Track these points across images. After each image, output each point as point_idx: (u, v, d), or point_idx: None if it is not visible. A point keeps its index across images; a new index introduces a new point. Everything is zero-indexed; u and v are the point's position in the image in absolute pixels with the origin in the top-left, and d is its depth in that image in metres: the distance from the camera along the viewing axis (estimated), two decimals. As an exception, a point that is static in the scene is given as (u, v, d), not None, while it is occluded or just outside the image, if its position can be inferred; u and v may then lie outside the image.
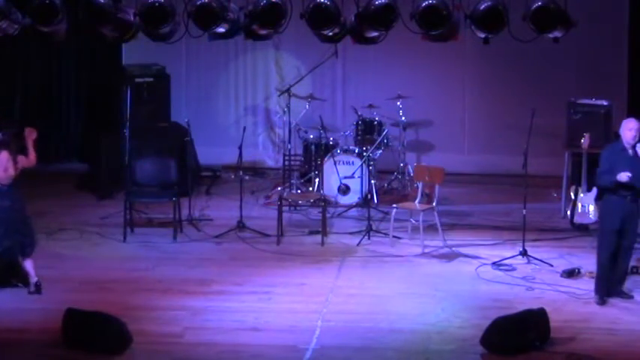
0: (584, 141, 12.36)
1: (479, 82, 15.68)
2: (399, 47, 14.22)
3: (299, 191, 13.82)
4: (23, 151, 10.61)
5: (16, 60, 16.06)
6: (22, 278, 10.58)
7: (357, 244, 12.21)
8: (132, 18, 10.68)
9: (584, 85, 14.66)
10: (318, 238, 12.34)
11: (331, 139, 14.32)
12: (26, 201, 10.73)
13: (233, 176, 14.77)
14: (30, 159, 10.58)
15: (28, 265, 10.54)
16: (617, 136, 13.97)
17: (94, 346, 8.97)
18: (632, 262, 11.13)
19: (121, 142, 13.64)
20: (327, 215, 12.79)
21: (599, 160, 10.36)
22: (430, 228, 12.31)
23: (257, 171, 15.73)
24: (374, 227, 12.50)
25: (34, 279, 10.51)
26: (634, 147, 10.13)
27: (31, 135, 10.65)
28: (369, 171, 13.80)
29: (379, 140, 14.17)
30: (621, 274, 10.40)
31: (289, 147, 14.33)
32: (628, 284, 10.66)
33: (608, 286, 10.32)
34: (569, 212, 12.63)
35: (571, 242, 12.20)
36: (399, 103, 14.53)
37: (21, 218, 10.57)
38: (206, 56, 15.89)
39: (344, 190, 13.77)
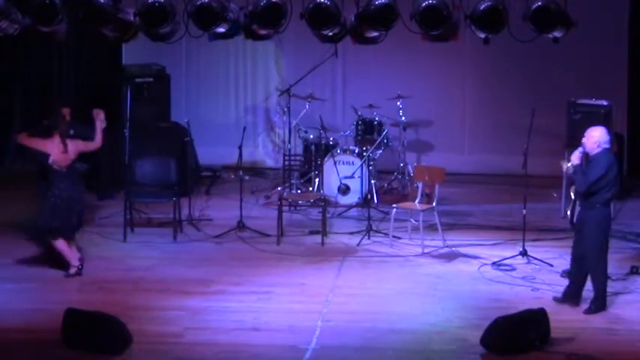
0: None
1: (479, 82, 15.69)
2: (399, 47, 14.24)
3: (299, 191, 13.83)
4: (91, 133, 10.94)
5: (16, 60, 16.06)
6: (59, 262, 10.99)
7: (357, 244, 12.21)
8: (132, 18, 10.69)
9: (584, 85, 14.65)
10: (318, 238, 12.34)
11: (331, 139, 14.32)
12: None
13: (233, 176, 14.76)
14: (94, 142, 10.94)
15: (72, 247, 10.94)
16: (618, 136, 14.04)
17: (94, 346, 8.96)
18: (633, 262, 11.20)
19: (121, 142, 13.64)
20: (327, 215, 12.79)
21: None
22: (430, 228, 12.32)
23: (257, 171, 15.74)
24: (374, 227, 12.49)
25: (76, 262, 10.93)
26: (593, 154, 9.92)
27: (98, 116, 10.94)
28: (369, 171, 13.80)
29: (379, 140, 14.17)
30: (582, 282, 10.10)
31: (289, 147, 14.33)
32: (627, 284, 10.68)
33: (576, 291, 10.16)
34: (569, 212, 12.62)
35: (571, 242, 12.13)
36: (399, 103, 14.53)
37: (78, 203, 10.96)
38: (206, 56, 15.90)
39: (344, 190, 13.77)
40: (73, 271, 10.93)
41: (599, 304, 9.97)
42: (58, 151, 10.82)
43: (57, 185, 10.85)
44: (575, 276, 10.13)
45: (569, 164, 9.96)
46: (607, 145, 9.88)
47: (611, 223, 10.18)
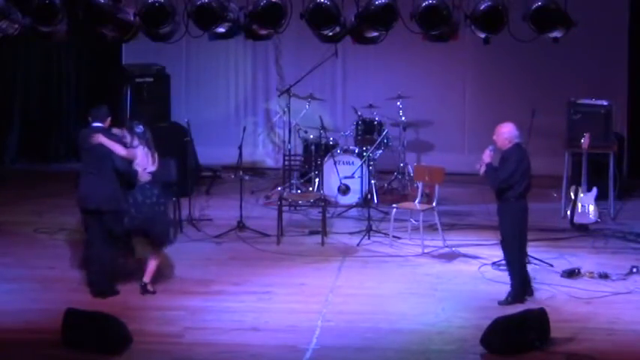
0: (584, 141, 12.37)
1: (479, 81, 15.69)
2: (399, 47, 14.23)
3: (299, 191, 13.82)
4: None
5: (16, 60, 16.07)
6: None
7: (357, 244, 12.20)
8: (132, 18, 10.69)
9: (584, 85, 14.66)
10: (318, 238, 12.34)
11: (331, 139, 14.32)
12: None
13: (233, 176, 14.76)
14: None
15: (151, 264, 10.50)
16: (618, 136, 14.04)
17: (94, 346, 8.97)
18: (633, 262, 11.21)
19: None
20: (327, 215, 12.79)
21: None
22: (430, 228, 12.32)
23: (257, 171, 15.73)
24: (374, 227, 12.49)
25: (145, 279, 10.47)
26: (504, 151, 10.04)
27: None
28: (369, 171, 13.80)
29: (379, 140, 14.16)
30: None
31: (289, 147, 14.33)
32: (627, 284, 10.69)
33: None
34: (569, 212, 12.64)
35: (571, 242, 12.19)
36: (399, 103, 14.53)
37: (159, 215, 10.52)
38: (206, 56, 15.89)
39: (344, 190, 13.77)
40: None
41: (517, 294, 10.10)
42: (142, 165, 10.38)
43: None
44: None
45: (478, 165, 10.03)
46: (517, 140, 10.02)
47: (527, 215, 10.25)
